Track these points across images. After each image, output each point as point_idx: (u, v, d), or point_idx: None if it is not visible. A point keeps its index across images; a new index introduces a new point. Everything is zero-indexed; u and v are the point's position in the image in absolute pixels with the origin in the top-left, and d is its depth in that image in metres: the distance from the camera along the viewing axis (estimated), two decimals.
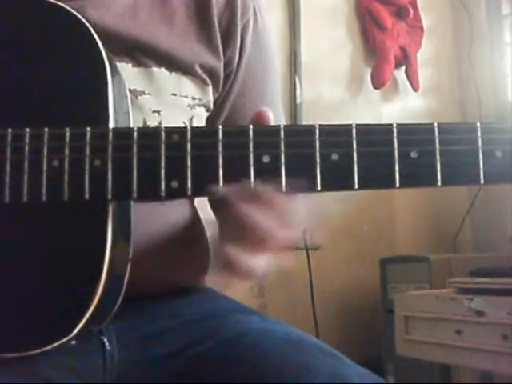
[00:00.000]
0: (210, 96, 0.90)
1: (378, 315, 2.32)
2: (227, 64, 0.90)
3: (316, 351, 0.77)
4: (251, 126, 0.63)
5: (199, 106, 0.89)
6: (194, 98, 0.87)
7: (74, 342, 0.66)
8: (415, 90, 2.72)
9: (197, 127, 0.65)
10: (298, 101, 2.49)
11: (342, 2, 2.69)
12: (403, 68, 2.72)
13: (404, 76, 2.72)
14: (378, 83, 2.63)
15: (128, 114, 0.72)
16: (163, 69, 0.84)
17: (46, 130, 0.64)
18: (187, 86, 0.87)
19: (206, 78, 0.88)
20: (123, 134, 0.64)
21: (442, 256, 2.29)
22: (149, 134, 0.63)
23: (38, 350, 0.64)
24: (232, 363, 0.76)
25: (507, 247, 2.36)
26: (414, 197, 2.68)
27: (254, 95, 0.94)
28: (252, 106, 0.91)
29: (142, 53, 0.83)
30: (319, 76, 2.59)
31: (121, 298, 0.69)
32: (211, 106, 0.91)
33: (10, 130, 0.65)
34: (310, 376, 0.71)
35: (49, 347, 0.64)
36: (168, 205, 0.87)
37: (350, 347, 2.18)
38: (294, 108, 2.48)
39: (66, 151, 0.64)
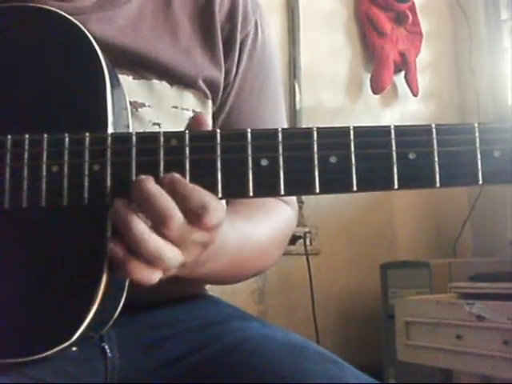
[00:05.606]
0: (209, 109, 0.90)
1: (379, 320, 2.32)
2: (225, 76, 0.90)
3: (317, 357, 0.77)
4: (249, 130, 0.63)
5: None
6: (194, 111, 0.87)
7: (74, 349, 0.65)
8: (414, 95, 2.72)
9: (195, 131, 0.65)
10: (298, 107, 2.50)
11: (340, 8, 2.69)
12: (402, 73, 2.72)
13: (403, 81, 2.72)
14: (377, 88, 2.63)
15: (128, 126, 0.72)
16: (164, 82, 0.84)
17: (45, 135, 0.64)
18: (189, 99, 0.87)
19: (207, 91, 0.88)
20: (122, 138, 0.64)
21: (443, 261, 2.28)
22: (147, 139, 0.63)
23: (39, 356, 0.63)
24: (232, 369, 0.76)
25: (507, 252, 2.36)
26: (414, 202, 2.67)
27: (249, 110, 0.93)
28: (246, 122, 0.91)
29: (144, 66, 0.83)
30: (318, 82, 2.59)
31: (121, 303, 0.69)
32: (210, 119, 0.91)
33: (9, 137, 0.65)
34: (310, 381, 0.71)
35: (49, 352, 0.63)
36: None
37: (350, 352, 2.18)
38: (293, 114, 2.49)
39: (65, 156, 0.64)
